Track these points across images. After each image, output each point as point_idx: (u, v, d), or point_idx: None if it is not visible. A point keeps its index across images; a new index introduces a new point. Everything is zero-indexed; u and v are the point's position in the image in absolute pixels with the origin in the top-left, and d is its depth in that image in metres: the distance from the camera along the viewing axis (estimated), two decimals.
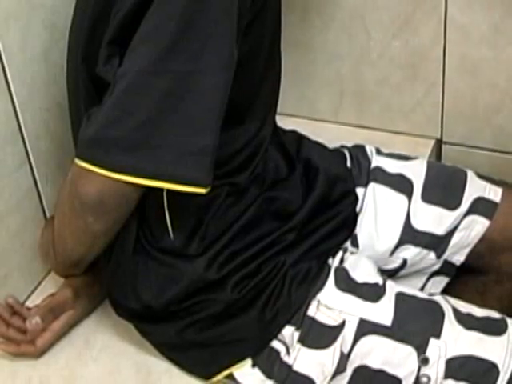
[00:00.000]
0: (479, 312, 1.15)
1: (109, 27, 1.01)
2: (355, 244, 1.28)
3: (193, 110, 0.96)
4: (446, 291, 1.35)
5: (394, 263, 1.30)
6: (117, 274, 1.15)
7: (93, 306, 1.31)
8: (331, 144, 1.42)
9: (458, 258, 1.33)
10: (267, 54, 1.11)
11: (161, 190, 1.05)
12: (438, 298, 1.16)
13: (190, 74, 0.95)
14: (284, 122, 1.35)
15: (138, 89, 0.96)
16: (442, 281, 1.35)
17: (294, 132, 1.37)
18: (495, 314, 1.15)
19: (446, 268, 1.33)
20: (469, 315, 1.14)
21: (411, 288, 1.18)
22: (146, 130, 0.96)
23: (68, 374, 1.23)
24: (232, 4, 0.95)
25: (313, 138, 1.39)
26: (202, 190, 0.98)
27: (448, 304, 1.15)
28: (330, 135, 1.64)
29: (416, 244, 1.30)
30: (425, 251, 1.30)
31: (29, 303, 1.34)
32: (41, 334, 1.23)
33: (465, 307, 1.15)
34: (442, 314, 1.12)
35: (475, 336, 1.11)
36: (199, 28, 0.94)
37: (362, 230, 1.29)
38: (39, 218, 1.36)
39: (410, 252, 1.30)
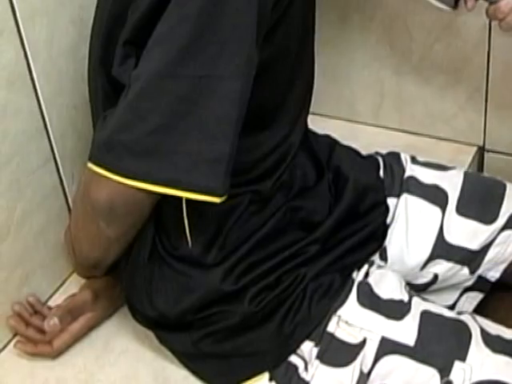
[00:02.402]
0: (509, 334, 1.10)
1: (125, 27, 0.98)
2: (384, 257, 1.24)
3: (208, 115, 0.92)
4: (479, 307, 1.30)
5: (425, 278, 1.26)
6: (133, 280, 1.13)
7: (113, 309, 1.29)
8: (370, 147, 1.38)
9: (493, 275, 1.28)
10: (296, 58, 1.07)
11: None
12: (466, 318, 1.11)
13: (206, 79, 0.92)
14: (321, 124, 1.32)
15: (152, 92, 0.92)
16: (476, 297, 1.30)
17: (327, 137, 1.33)
18: None
19: (480, 284, 1.28)
20: (497, 337, 1.09)
21: (438, 306, 1.13)
22: (158, 135, 0.93)
23: (85, 377, 1.22)
24: (251, 7, 0.91)
25: (352, 140, 1.35)
26: (217, 199, 0.95)
27: (476, 324, 1.10)
28: (369, 138, 1.62)
29: (449, 259, 1.25)
30: (458, 266, 1.26)
31: (51, 302, 1.33)
32: (58, 334, 1.22)
33: (494, 328, 1.11)
34: (469, 336, 1.08)
35: (503, 360, 1.06)
36: (217, 31, 0.90)
37: (392, 242, 1.25)
38: (64, 216, 1.34)
39: (441, 267, 1.25)
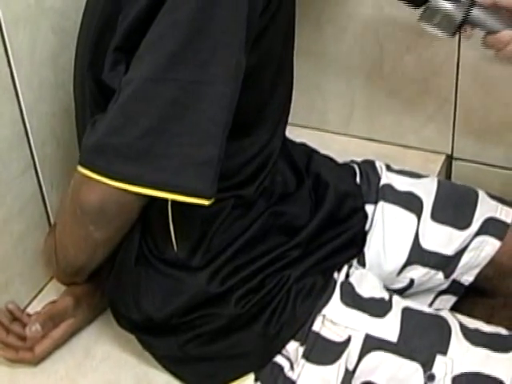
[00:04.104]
0: (487, 328, 1.13)
1: (115, 33, 0.99)
2: (362, 262, 1.26)
3: (198, 119, 0.94)
4: (453, 310, 1.32)
5: (401, 283, 1.29)
6: (119, 284, 1.13)
7: (94, 315, 1.29)
8: (341, 156, 1.40)
9: (467, 278, 1.31)
10: (278, 65, 1.09)
11: (165, 200, 1.03)
12: (445, 314, 1.14)
13: (196, 84, 0.94)
14: (293, 133, 1.33)
15: (143, 96, 0.94)
16: (449, 300, 1.33)
17: (303, 145, 1.35)
18: (503, 331, 1.13)
19: (455, 287, 1.31)
20: (476, 331, 1.12)
21: (417, 303, 1.16)
22: (149, 138, 0.94)
23: None
24: (241, 13, 0.93)
25: (322, 149, 1.37)
26: (205, 202, 0.96)
27: (455, 319, 1.13)
28: (339, 147, 1.64)
29: (424, 264, 1.28)
30: (433, 271, 1.29)
31: (30, 310, 1.32)
32: (40, 341, 1.22)
33: (472, 323, 1.13)
34: (449, 330, 1.10)
35: (483, 353, 1.09)
36: (207, 37, 0.92)
37: (370, 248, 1.27)
38: (43, 224, 1.34)
39: (417, 272, 1.28)
